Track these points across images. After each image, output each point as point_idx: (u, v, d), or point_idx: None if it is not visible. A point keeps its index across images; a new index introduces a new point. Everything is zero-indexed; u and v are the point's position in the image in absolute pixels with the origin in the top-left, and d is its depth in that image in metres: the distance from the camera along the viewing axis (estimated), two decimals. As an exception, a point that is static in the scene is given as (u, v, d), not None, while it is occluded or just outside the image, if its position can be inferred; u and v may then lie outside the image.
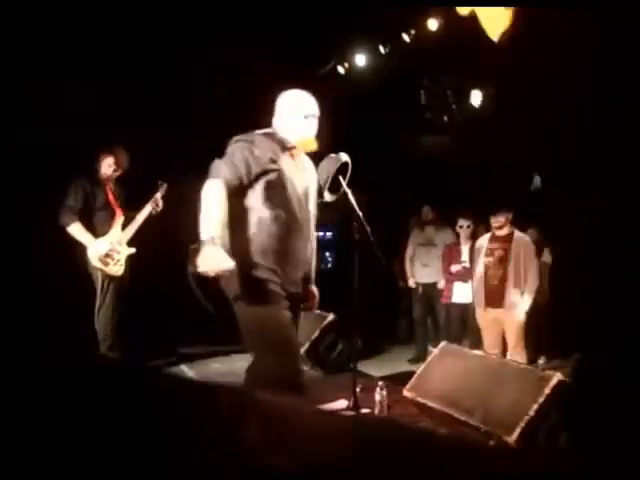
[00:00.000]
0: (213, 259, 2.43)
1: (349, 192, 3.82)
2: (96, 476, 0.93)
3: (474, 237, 5.35)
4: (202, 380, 4.41)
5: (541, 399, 3.18)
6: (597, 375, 4.29)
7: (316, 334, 5.01)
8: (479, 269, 4.72)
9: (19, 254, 4.93)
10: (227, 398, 1.11)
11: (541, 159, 6.81)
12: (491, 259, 4.64)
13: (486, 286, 4.64)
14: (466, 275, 5.34)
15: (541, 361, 5.56)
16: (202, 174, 2.62)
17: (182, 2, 5.12)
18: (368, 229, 3.74)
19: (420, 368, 4.18)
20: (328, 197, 3.93)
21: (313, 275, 2.96)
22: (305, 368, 4.97)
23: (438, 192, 6.62)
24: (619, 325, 4.73)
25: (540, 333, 5.22)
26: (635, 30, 3.95)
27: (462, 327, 5.58)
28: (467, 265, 5.40)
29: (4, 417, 1.03)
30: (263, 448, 0.93)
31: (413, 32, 5.78)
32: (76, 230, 4.46)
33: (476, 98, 6.84)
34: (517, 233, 4.67)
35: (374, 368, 4.93)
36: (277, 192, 2.69)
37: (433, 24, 5.58)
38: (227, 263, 2.46)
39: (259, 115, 3.00)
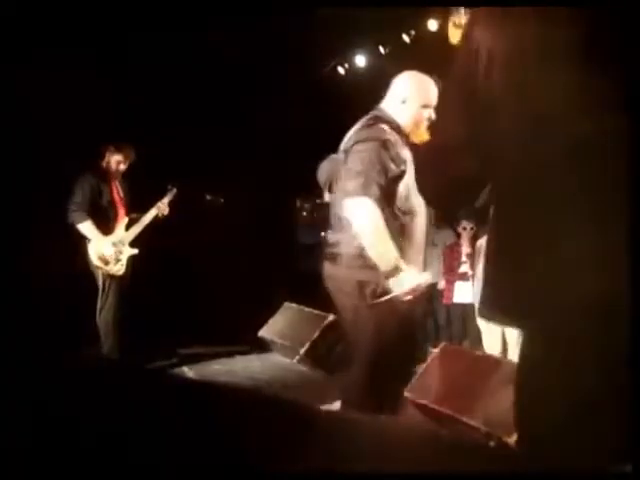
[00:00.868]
0: (413, 280, 2.30)
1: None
2: (95, 477, 0.93)
3: (475, 237, 5.35)
4: (202, 380, 4.41)
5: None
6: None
7: (316, 334, 5.01)
8: (481, 269, 4.71)
9: (19, 254, 4.93)
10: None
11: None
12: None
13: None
14: (467, 275, 5.34)
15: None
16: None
17: None
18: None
19: (420, 368, 4.18)
20: (328, 197, 3.93)
21: None
22: (305, 368, 4.99)
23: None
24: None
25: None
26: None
27: (463, 327, 5.57)
28: (468, 266, 5.41)
29: (5, 417, 1.03)
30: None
31: (413, 32, 5.78)
32: (87, 228, 4.40)
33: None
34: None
35: (374, 368, 4.93)
36: (407, 193, 2.45)
37: (433, 24, 5.58)
38: (426, 277, 2.39)
39: (263, 116, 2.99)
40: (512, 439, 3.12)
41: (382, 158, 2.34)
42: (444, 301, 5.72)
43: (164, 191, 4.84)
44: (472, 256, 5.14)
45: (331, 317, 5.13)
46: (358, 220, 2.36)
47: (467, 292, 5.33)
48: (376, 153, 2.35)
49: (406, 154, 2.44)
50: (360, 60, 6.29)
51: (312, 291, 5.92)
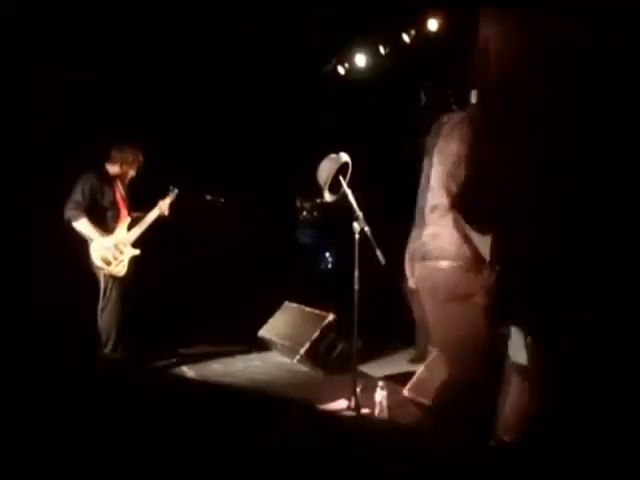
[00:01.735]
0: None
1: (349, 192, 3.82)
2: (97, 475, 0.93)
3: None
4: (202, 380, 4.41)
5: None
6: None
7: (316, 334, 5.01)
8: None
9: (21, 254, 4.94)
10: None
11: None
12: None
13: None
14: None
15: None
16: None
17: None
18: (368, 229, 3.74)
19: (420, 368, 4.18)
20: (328, 197, 3.94)
21: None
22: (305, 368, 4.99)
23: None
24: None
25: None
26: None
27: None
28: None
29: (6, 416, 1.03)
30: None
31: (413, 32, 5.78)
32: (83, 225, 4.41)
33: (477, 98, 6.82)
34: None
35: (374, 368, 4.92)
36: None
37: (433, 24, 5.59)
38: None
39: (263, 116, 2.99)
40: (513, 439, 3.13)
41: None
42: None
43: (165, 192, 4.85)
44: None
45: (331, 317, 5.13)
46: None
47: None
48: None
49: None
50: (360, 60, 6.30)
51: (312, 291, 5.94)
